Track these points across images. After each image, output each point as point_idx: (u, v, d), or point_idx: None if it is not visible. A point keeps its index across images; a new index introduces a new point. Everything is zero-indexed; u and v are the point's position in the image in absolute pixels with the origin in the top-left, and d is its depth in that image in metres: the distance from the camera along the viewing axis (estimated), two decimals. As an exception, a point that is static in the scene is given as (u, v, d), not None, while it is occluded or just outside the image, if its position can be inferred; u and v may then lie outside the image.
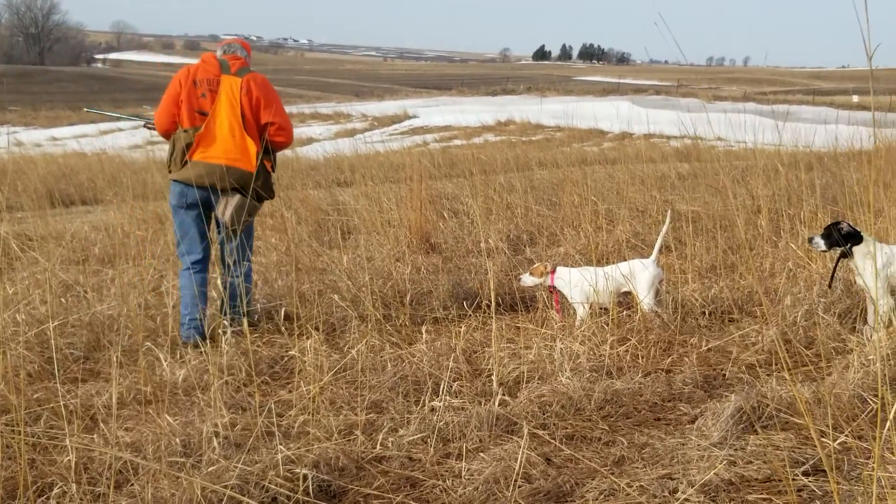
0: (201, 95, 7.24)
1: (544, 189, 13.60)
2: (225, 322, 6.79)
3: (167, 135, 7.36)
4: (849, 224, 6.75)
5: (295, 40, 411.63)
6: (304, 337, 6.42)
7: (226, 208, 7.19)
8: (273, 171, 7.56)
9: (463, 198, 12.70)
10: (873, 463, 4.09)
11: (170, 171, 7.38)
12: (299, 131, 47.64)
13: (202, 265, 7.37)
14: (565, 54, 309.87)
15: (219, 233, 7.42)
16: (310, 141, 40.30)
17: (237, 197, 7.20)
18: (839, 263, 6.89)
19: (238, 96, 7.24)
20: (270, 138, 7.36)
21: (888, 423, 4.47)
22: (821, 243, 6.77)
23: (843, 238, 6.67)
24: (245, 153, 7.23)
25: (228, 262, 7.27)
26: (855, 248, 6.66)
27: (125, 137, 30.42)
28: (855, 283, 7.00)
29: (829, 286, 7.10)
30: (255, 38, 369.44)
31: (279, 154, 7.98)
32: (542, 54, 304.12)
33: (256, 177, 7.27)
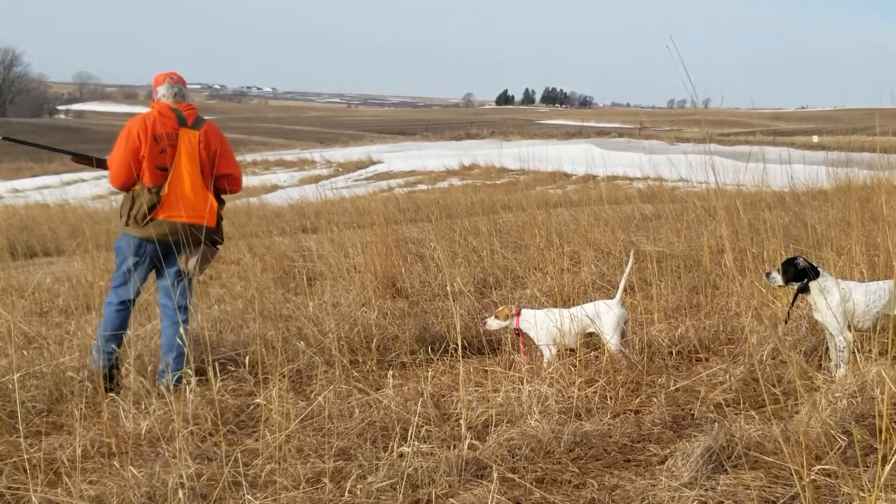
0: (161, 151, 7.14)
1: (509, 232, 13.64)
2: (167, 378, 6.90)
3: (124, 188, 7.25)
4: (805, 259, 6.79)
5: (259, 88, 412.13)
6: (270, 384, 6.35)
7: (188, 260, 7.22)
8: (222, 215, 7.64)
9: (428, 242, 12.70)
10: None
11: (126, 224, 7.27)
12: (264, 178, 47.71)
13: (132, 305, 7.40)
14: (528, 98, 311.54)
15: (174, 281, 7.42)
16: (275, 188, 40.24)
17: (201, 248, 7.24)
18: (797, 299, 6.92)
19: (197, 150, 7.24)
20: (227, 187, 7.47)
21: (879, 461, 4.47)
22: (778, 278, 6.81)
23: (799, 273, 6.71)
24: (209, 208, 7.30)
25: (178, 309, 7.26)
26: (812, 284, 6.70)
27: (88, 188, 30.23)
28: (810, 316, 7.04)
29: (786, 321, 7.14)
30: (218, 87, 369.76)
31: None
32: (505, 99, 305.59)
33: (215, 229, 7.40)
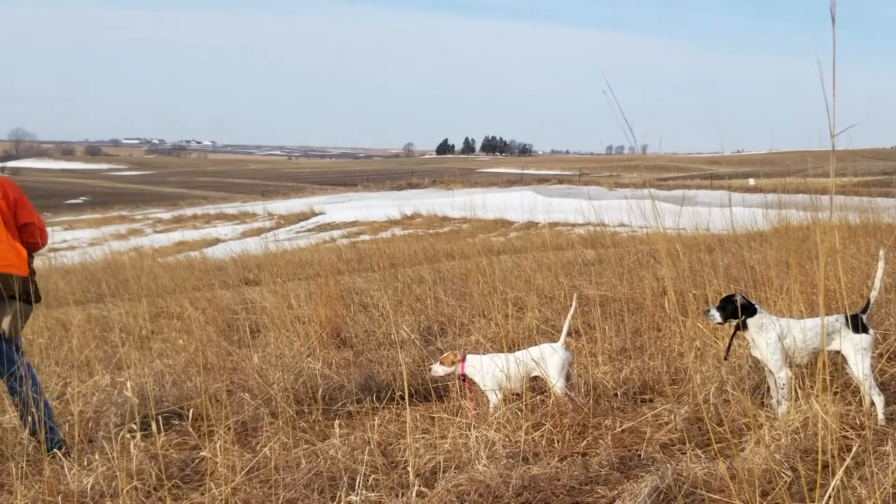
0: None
1: (453, 280, 13.67)
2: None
3: None
4: (743, 296, 6.86)
5: (198, 142, 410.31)
6: (215, 437, 6.29)
7: (2, 317, 6.87)
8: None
9: (372, 291, 12.70)
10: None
11: None
12: (205, 232, 47.44)
13: None
14: (468, 147, 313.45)
15: None
16: (216, 242, 40.07)
17: (15, 304, 6.89)
18: (735, 336, 7.00)
19: None
20: (29, 240, 7.12)
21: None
22: (716, 315, 6.86)
23: (737, 310, 6.77)
24: (20, 257, 6.95)
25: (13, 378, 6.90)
26: (749, 321, 6.77)
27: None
28: (751, 354, 7.11)
29: (725, 358, 7.21)
30: (156, 142, 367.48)
31: None
32: (445, 148, 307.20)
33: (28, 280, 7.01)
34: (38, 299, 7.21)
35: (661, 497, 5.30)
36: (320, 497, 5.70)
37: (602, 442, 6.44)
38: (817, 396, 6.13)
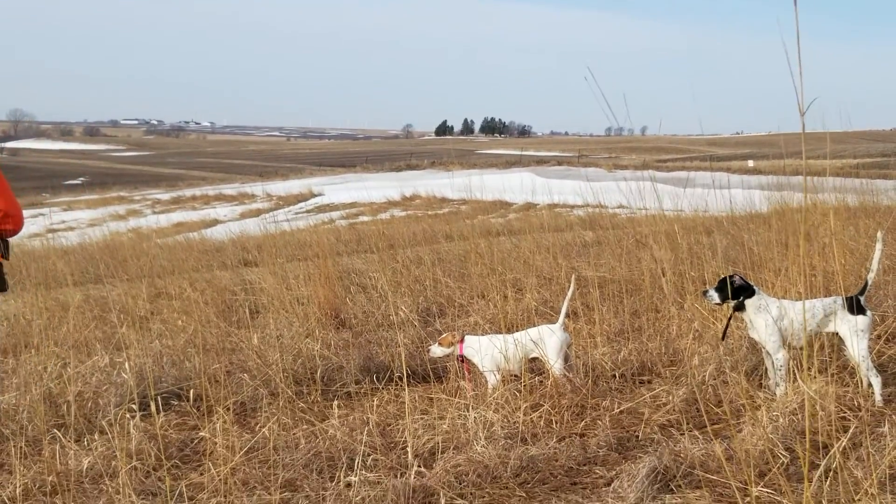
0: None
1: (452, 261, 13.66)
2: None
3: None
4: (741, 277, 6.87)
5: (197, 123, 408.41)
6: (215, 417, 6.30)
7: None
8: (6, 257, 6.94)
9: (371, 272, 12.70)
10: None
11: None
12: (204, 213, 47.41)
13: None
14: (467, 128, 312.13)
15: None
16: (215, 222, 40.05)
17: None
18: (732, 317, 7.00)
19: None
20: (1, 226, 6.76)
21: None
22: (715, 296, 6.87)
23: (735, 291, 6.78)
24: None
25: None
26: (747, 301, 6.77)
27: (24, 226, 29.89)
28: (748, 336, 7.11)
29: (723, 338, 7.22)
30: (155, 122, 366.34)
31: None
32: (444, 129, 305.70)
33: None
34: (4, 287, 6.95)
35: (658, 477, 5.32)
36: (319, 477, 5.71)
37: (600, 423, 6.46)
38: (814, 378, 6.15)
